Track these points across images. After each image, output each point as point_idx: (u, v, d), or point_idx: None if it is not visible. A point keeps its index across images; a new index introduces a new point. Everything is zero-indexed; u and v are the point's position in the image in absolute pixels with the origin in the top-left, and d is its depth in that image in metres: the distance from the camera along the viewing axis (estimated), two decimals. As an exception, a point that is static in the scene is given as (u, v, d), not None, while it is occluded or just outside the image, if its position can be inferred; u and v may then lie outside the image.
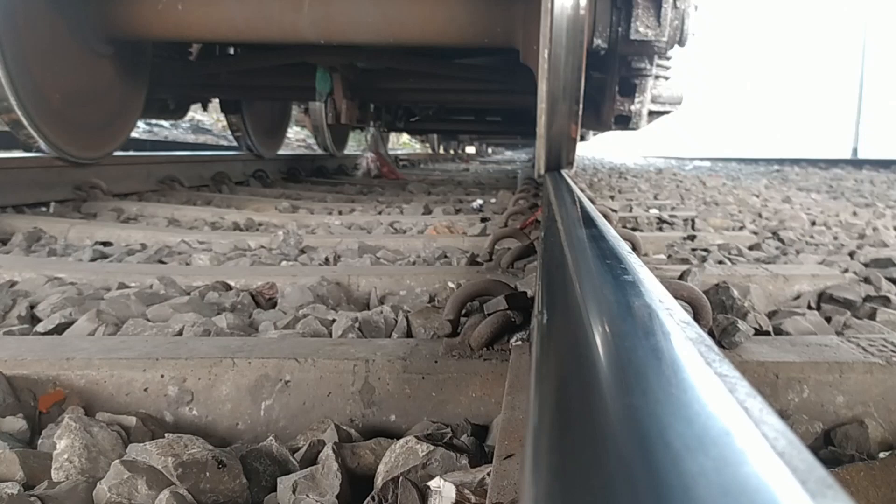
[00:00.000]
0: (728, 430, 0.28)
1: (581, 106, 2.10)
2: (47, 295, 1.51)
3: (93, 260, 1.99)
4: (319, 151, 7.69)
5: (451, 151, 16.31)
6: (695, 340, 0.41)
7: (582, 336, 0.39)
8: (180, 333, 1.29)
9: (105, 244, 2.26)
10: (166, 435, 0.83)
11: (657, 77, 2.59)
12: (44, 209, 2.99)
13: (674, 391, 0.32)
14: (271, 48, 4.15)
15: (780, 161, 14.75)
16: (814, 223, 3.21)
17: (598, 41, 2.17)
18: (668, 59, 2.58)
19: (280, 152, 6.58)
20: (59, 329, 1.34)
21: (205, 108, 5.46)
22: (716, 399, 0.31)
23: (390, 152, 13.09)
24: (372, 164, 6.73)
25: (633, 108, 2.56)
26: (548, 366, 0.38)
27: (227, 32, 3.15)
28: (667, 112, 2.77)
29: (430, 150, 14.98)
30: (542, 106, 2.09)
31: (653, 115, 2.72)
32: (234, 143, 5.94)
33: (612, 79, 2.60)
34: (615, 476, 0.26)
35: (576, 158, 2.34)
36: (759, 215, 3.48)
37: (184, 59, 4.67)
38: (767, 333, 1.31)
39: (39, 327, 1.35)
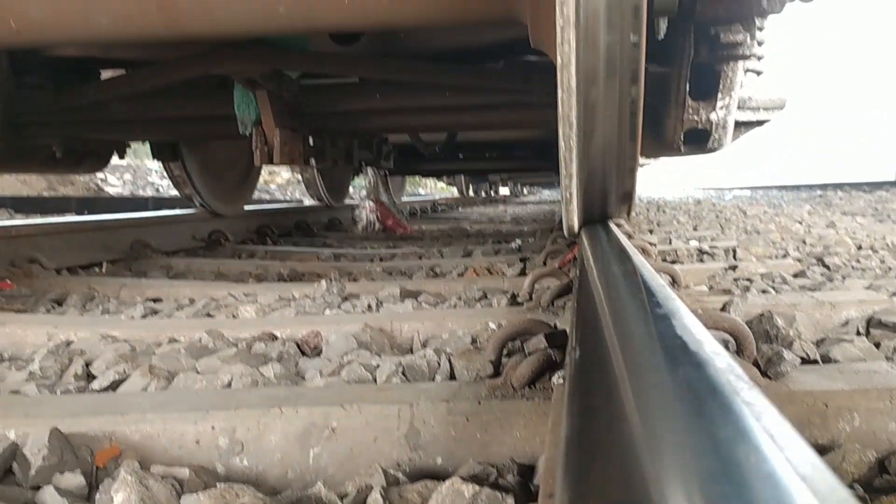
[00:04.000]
0: (751, 456, 0.29)
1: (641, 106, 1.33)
2: (102, 352, 1.56)
3: (144, 317, 2.05)
4: (313, 202, 6.56)
5: (483, 193, 15.76)
6: (724, 370, 0.42)
7: (611, 370, 0.41)
8: (229, 385, 1.32)
9: (155, 300, 2.33)
10: (218, 485, 0.85)
11: (746, 70, 1.75)
12: (97, 269, 3.10)
13: (699, 420, 0.33)
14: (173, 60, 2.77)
15: (823, 186, 14.50)
16: (860, 247, 3.15)
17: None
18: (760, 42, 1.63)
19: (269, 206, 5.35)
20: (114, 385, 1.38)
21: (120, 155, 3.89)
22: (741, 426, 0.32)
23: (430, 197, 13.14)
24: (371, 216, 5.57)
25: (713, 116, 1.69)
26: (579, 399, 0.39)
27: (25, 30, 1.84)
28: (760, 123, 1.99)
29: (459, 194, 13.97)
30: (567, 107, 1.26)
31: (741, 128, 1.96)
32: (284, 197, 5.21)
33: (679, 72, 1.71)
34: None
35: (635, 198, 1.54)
36: (803, 242, 3.42)
37: (60, 86, 3.12)
38: (815, 362, 1.29)
39: (95, 384, 1.40)
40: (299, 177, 6.35)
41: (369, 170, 5.71)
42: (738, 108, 1.83)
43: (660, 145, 2.02)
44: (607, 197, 1.49)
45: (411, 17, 1.83)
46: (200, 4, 1.79)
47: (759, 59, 1.79)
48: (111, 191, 11.76)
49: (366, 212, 5.63)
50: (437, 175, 11.42)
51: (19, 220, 4.66)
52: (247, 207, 5.25)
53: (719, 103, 1.69)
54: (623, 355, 0.45)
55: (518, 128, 4.88)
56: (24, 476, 0.96)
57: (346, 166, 4.45)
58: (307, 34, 2.61)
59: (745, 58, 1.57)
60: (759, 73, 1.87)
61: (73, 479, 0.95)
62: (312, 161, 3.35)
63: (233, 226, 4.53)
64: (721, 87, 1.66)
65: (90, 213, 6.39)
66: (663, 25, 1.42)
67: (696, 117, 1.72)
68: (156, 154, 4.14)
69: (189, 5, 1.79)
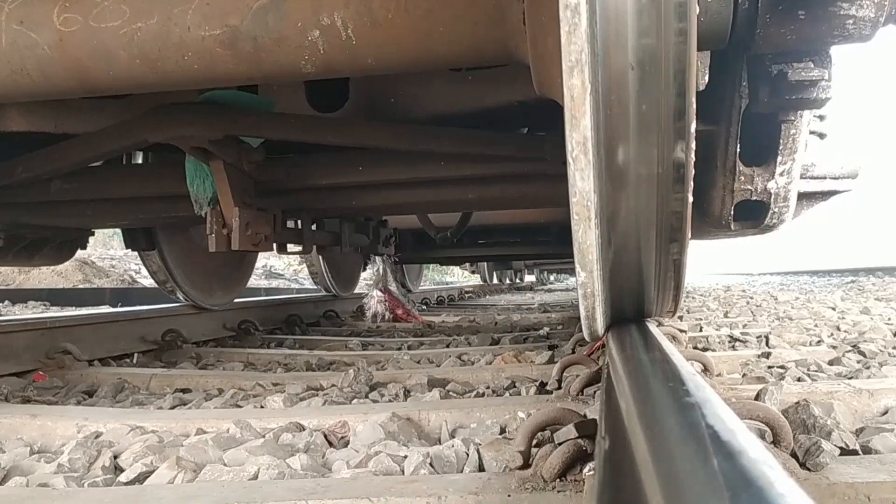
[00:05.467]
0: (787, 549, 0.29)
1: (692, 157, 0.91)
2: (130, 444, 1.56)
3: (173, 407, 2.06)
4: (321, 292, 6.15)
5: (507, 281, 15.51)
6: (757, 461, 0.41)
7: (641, 461, 0.40)
8: (255, 477, 1.31)
9: (185, 391, 2.34)
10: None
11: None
12: (128, 360, 3.12)
13: (732, 512, 0.32)
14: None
15: (855, 271, 14.31)
16: (896, 333, 3.08)
17: (711, 16, 0.96)
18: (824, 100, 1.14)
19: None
20: (141, 478, 1.38)
21: (82, 245, 3.40)
22: (775, 518, 0.32)
23: (456, 285, 13.14)
24: (380, 306, 5.37)
25: (771, 185, 1.29)
26: (609, 492, 0.39)
27: None
28: (826, 195, 1.63)
29: (482, 282, 13.41)
30: (576, 165, 0.86)
31: (804, 200, 1.60)
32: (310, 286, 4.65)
33: (727, 129, 1.29)
34: None
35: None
36: (837, 328, 3.36)
37: None
38: (855, 452, 1.25)
39: (122, 477, 1.39)
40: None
41: (378, 258, 5.41)
42: (801, 176, 1.41)
43: (704, 222, 1.55)
44: (642, 280, 1.14)
45: (387, 58, 1.50)
46: (105, 59, 1.48)
47: (822, 118, 1.48)
48: (144, 282, 11.98)
49: (374, 301, 5.40)
50: (454, 263, 10.46)
51: (53, 313, 4.73)
52: (278, 297, 5.19)
53: (779, 168, 1.27)
54: (653, 446, 0.45)
55: (534, 205, 4.21)
56: (50, 571, 0.95)
57: (350, 253, 3.91)
58: (253, 83, 1.88)
59: (818, 104, 1.14)
60: (822, 136, 1.53)
61: (98, 575, 0.94)
62: (290, 247, 2.97)
63: (263, 315, 4.57)
64: (782, 146, 1.25)
65: (124, 304, 6.50)
66: (705, 72, 1.01)
67: (749, 186, 1.31)
68: (128, 243, 3.61)
69: (97, 63, 1.49)
